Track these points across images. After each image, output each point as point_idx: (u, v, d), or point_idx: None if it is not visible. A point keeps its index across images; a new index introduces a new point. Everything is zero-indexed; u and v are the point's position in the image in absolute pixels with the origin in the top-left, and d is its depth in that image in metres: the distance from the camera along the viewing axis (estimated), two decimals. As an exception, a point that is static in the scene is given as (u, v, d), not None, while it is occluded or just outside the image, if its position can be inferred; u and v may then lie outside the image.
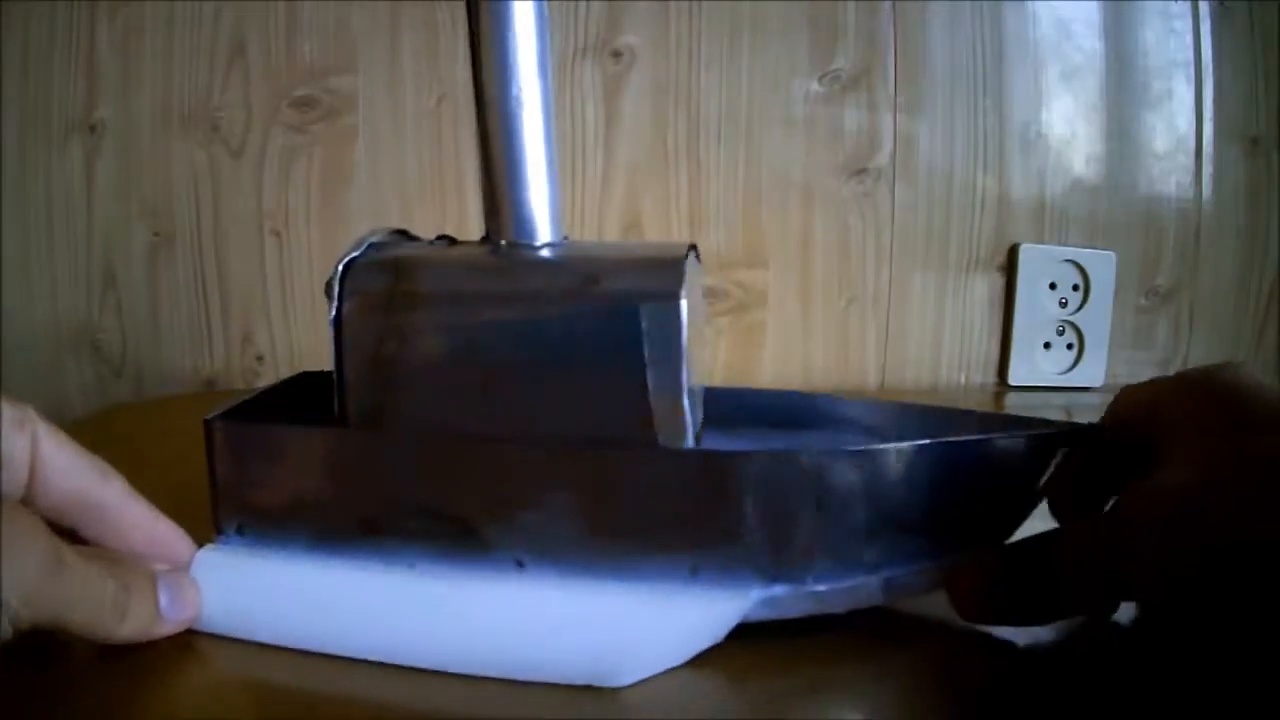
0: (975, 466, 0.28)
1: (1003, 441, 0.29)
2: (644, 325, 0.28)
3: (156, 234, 0.63)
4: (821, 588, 0.28)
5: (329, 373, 0.31)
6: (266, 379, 0.65)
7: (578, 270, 0.30)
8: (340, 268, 0.30)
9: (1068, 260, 0.72)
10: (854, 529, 0.28)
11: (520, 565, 0.28)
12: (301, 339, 0.65)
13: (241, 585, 0.28)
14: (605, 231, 0.66)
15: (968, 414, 0.34)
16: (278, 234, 0.64)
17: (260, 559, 0.29)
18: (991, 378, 0.73)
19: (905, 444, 0.28)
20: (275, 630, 0.27)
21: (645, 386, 0.28)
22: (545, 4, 0.30)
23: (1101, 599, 0.27)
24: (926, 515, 0.28)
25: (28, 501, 0.26)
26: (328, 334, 0.30)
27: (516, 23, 0.30)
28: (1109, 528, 0.25)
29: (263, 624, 0.27)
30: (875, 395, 0.66)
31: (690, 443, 0.29)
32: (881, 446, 0.28)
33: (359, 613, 0.28)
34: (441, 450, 0.28)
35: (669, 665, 0.26)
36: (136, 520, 0.28)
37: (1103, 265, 0.72)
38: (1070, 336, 0.73)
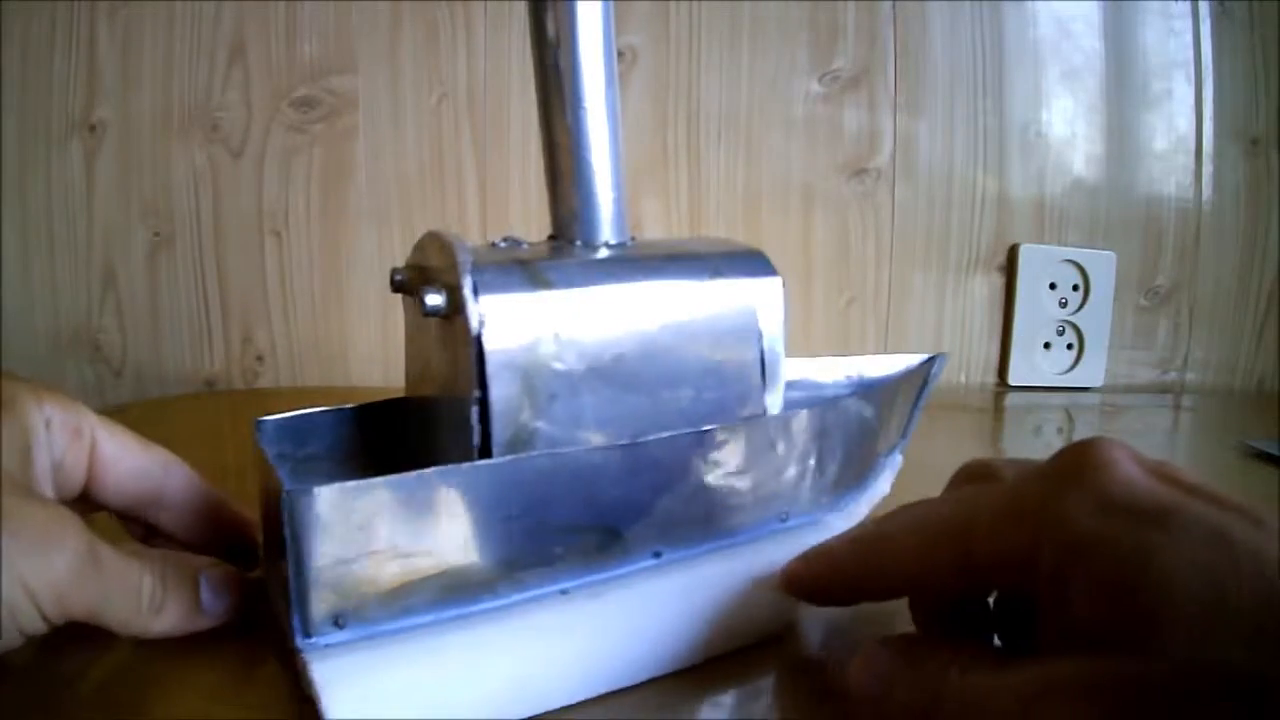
0: (887, 392, 0.36)
1: (910, 372, 0.38)
2: (758, 304, 0.31)
3: (156, 234, 0.63)
4: (845, 507, 0.34)
5: (306, 414, 0.31)
6: (266, 379, 0.65)
7: (697, 263, 0.31)
8: (468, 278, 0.26)
9: (1067, 260, 0.72)
10: (862, 456, 0.34)
11: (658, 555, 0.29)
12: (302, 339, 0.65)
13: (382, 691, 0.23)
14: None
15: (851, 358, 0.41)
16: (278, 234, 0.64)
17: (389, 648, 0.24)
18: (991, 377, 0.73)
19: (885, 382, 0.36)
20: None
21: (762, 360, 0.31)
22: (610, 4, 0.30)
23: None
24: (873, 431, 0.35)
25: (87, 499, 0.27)
26: (467, 354, 0.26)
27: (583, 28, 0.30)
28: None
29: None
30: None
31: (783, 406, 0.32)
32: (876, 389, 0.35)
33: (528, 660, 0.25)
34: (595, 460, 0.27)
35: None
36: (199, 511, 0.29)
37: (1102, 265, 0.72)
38: (1070, 336, 0.73)
